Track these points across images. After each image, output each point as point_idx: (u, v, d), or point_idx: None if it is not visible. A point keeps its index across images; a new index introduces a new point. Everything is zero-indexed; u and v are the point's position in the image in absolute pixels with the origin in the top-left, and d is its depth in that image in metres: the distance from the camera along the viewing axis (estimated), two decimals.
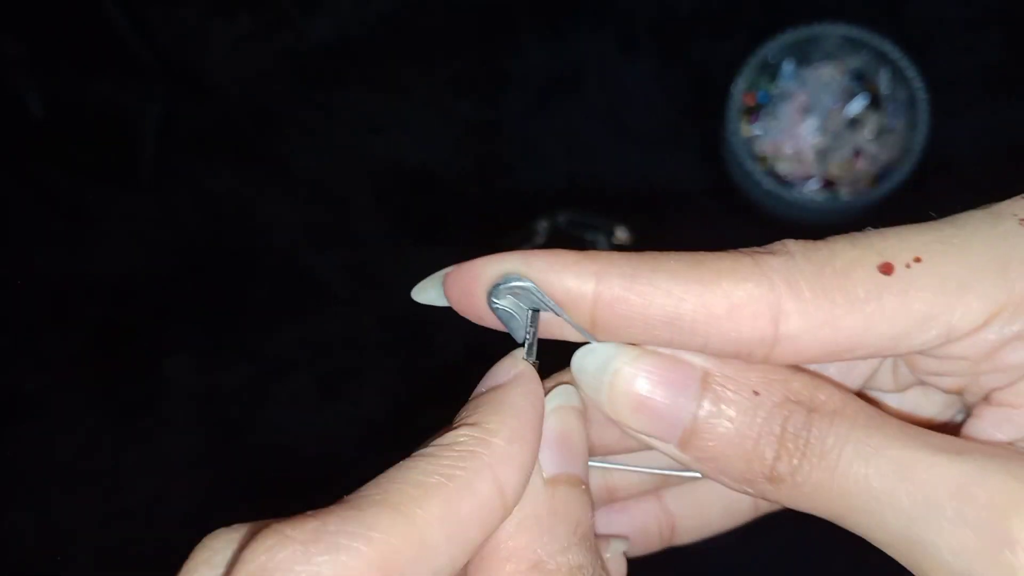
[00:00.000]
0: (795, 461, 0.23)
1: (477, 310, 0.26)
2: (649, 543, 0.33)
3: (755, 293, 0.23)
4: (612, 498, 0.32)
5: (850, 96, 0.80)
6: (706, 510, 0.33)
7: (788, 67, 0.80)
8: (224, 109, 0.88)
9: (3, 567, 0.84)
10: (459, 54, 0.87)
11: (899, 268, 0.23)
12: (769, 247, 0.24)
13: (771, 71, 0.81)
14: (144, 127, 0.86)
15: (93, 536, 0.84)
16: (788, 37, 0.78)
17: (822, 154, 0.80)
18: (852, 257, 0.23)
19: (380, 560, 0.20)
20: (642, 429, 0.24)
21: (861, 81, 0.80)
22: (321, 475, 0.83)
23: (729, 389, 0.23)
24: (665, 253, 0.24)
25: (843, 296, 0.23)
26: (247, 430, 0.85)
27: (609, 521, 0.32)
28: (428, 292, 0.26)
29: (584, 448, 0.25)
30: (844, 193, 0.79)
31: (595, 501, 0.26)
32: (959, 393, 0.26)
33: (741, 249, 0.24)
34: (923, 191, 0.77)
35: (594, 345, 0.25)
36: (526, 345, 0.26)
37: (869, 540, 0.23)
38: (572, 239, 0.83)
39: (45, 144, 0.88)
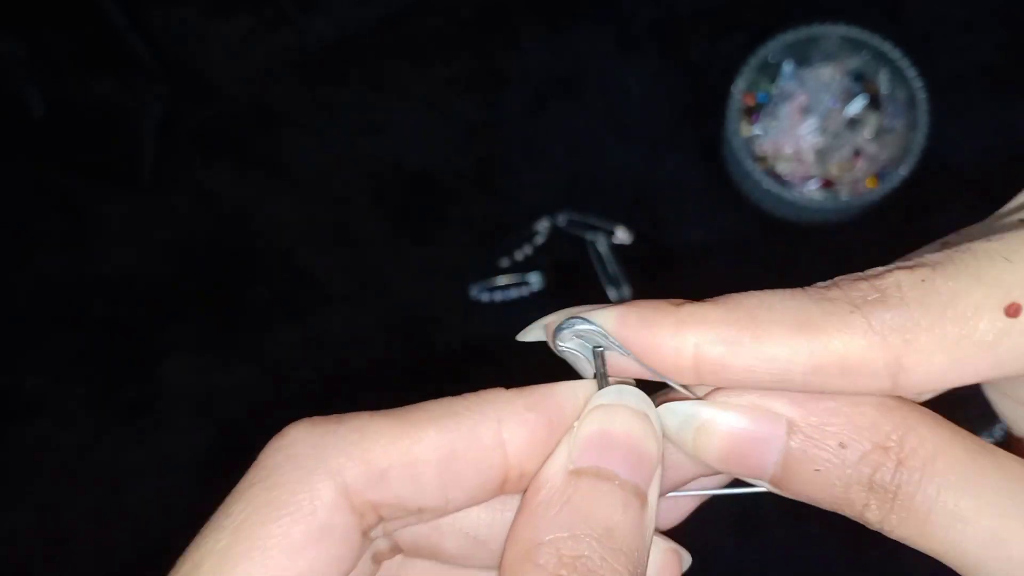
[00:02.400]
0: (882, 513, 0.23)
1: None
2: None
3: (868, 354, 0.22)
4: None
5: (850, 96, 0.80)
6: None
7: (788, 67, 0.80)
8: (224, 109, 0.88)
9: (3, 567, 0.84)
10: (459, 54, 0.87)
11: None
12: (880, 289, 0.22)
13: (771, 71, 0.81)
14: (144, 127, 0.87)
15: (93, 536, 0.84)
16: (788, 37, 0.78)
17: (822, 154, 0.80)
18: (976, 300, 0.21)
19: (366, 457, 0.22)
20: (733, 474, 0.24)
21: (861, 81, 0.80)
22: None
23: (815, 439, 0.23)
24: (764, 301, 0.23)
25: (967, 343, 0.21)
26: (247, 430, 0.85)
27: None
28: (533, 333, 0.27)
29: (638, 451, 0.24)
30: (844, 193, 0.79)
31: None
32: None
33: (850, 293, 0.22)
34: (923, 191, 0.77)
35: (671, 405, 0.24)
36: (597, 378, 0.25)
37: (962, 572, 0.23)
38: (572, 239, 0.83)
39: (45, 144, 0.88)
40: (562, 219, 0.83)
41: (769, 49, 0.78)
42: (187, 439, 0.85)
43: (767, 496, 0.26)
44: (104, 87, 0.87)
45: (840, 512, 0.23)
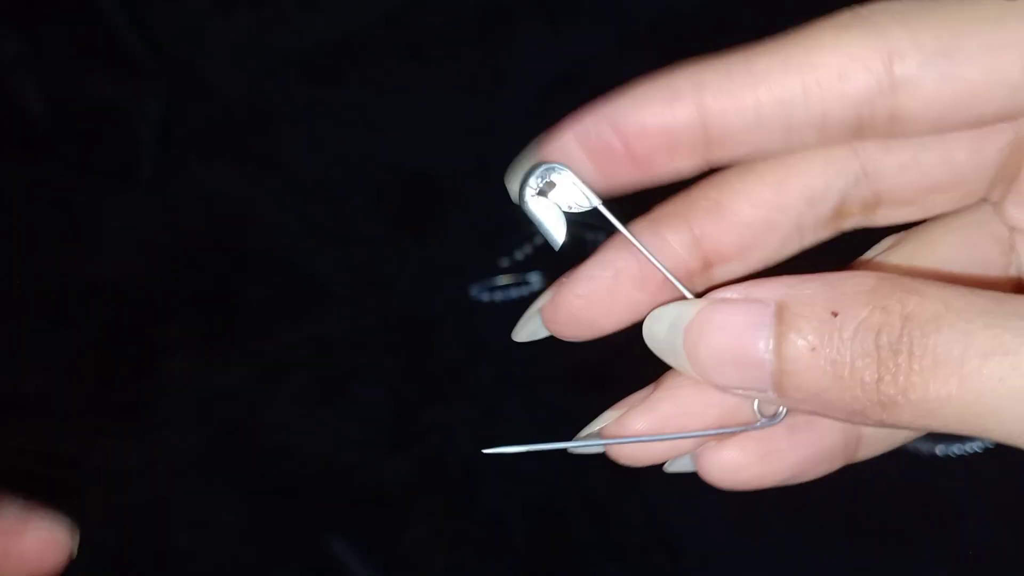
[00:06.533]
0: (902, 377, 0.20)
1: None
2: (833, 460, 0.28)
3: (863, 40, 0.21)
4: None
5: None
6: None
7: None
8: (223, 108, 0.88)
9: None
10: (459, 53, 0.87)
11: None
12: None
13: None
14: (143, 126, 0.86)
15: (90, 537, 0.83)
16: None
17: None
18: None
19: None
20: (732, 384, 0.22)
21: None
22: (322, 475, 0.84)
23: (804, 315, 0.21)
24: (754, 43, 0.22)
25: (958, 24, 0.20)
26: (247, 430, 0.85)
27: (793, 443, 0.27)
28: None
29: None
30: None
31: (767, 417, 0.25)
32: None
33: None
34: None
35: (658, 311, 0.24)
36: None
37: (1008, 443, 0.21)
38: (572, 239, 0.83)
39: (43, 143, 0.88)
40: None
41: None
42: (186, 439, 0.85)
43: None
44: (102, 86, 0.87)
45: (855, 407, 0.21)
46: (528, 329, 0.26)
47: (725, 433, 0.26)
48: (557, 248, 0.25)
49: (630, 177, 0.24)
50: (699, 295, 0.24)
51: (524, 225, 0.84)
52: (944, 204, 0.25)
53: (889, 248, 0.26)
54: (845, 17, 0.21)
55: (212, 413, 0.85)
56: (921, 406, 0.20)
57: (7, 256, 0.88)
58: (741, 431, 0.25)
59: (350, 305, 0.85)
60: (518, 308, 0.87)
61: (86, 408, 0.86)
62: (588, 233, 0.83)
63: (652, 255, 0.24)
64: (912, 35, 0.20)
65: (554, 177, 0.23)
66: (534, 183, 0.23)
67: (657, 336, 0.24)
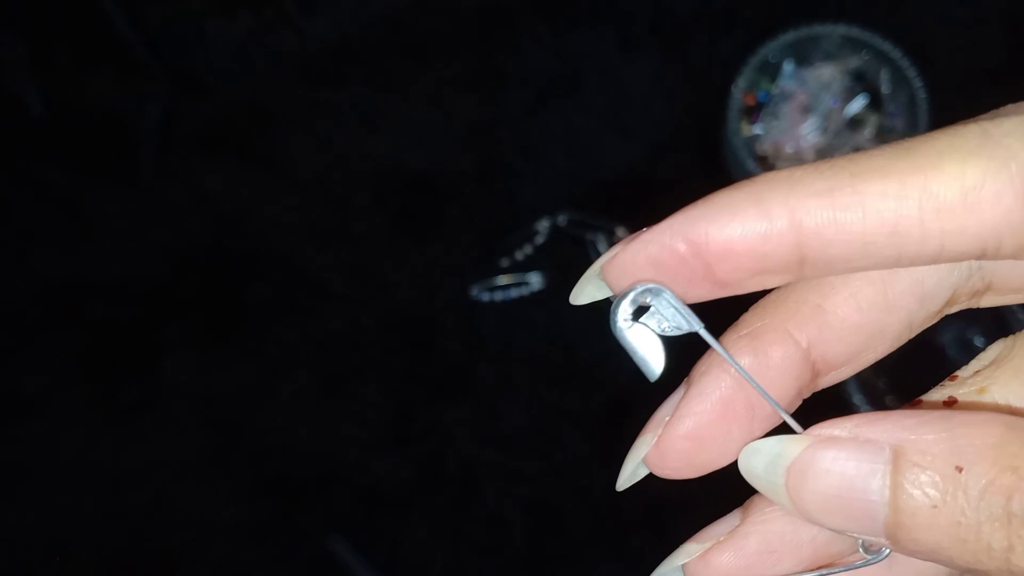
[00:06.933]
0: None
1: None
2: None
3: (991, 167, 0.18)
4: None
5: (850, 96, 0.80)
6: None
7: (788, 67, 0.80)
8: (224, 109, 0.88)
9: (2, 568, 0.84)
10: (459, 54, 0.87)
11: None
12: (994, 112, 0.19)
13: (771, 71, 0.81)
14: (143, 127, 0.86)
15: (92, 537, 0.83)
16: (788, 37, 0.78)
17: (822, 154, 0.80)
18: None
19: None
20: (839, 528, 0.20)
21: (861, 81, 0.80)
22: (322, 474, 0.84)
23: (925, 466, 0.19)
24: (857, 154, 0.20)
25: None
26: (247, 430, 0.85)
27: None
28: (587, 289, 0.22)
29: None
30: None
31: (872, 553, 0.22)
32: None
33: (958, 122, 0.19)
34: None
35: (756, 444, 0.21)
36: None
37: None
38: (572, 239, 0.83)
39: (44, 144, 0.88)
40: (562, 219, 0.83)
41: (769, 48, 0.78)
42: (186, 439, 0.85)
43: None
44: (104, 87, 0.87)
45: (978, 569, 0.19)
46: (627, 472, 0.24)
47: (828, 574, 0.23)
48: (654, 380, 0.22)
49: (705, 294, 0.21)
50: (794, 413, 0.22)
51: (524, 225, 0.84)
52: None
53: (994, 363, 0.22)
54: (971, 138, 0.19)
55: (212, 413, 0.85)
56: None
57: (8, 256, 0.88)
58: (845, 571, 0.23)
59: (350, 305, 0.85)
60: (518, 308, 0.87)
61: (87, 408, 0.86)
62: (588, 234, 0.83)
63: (761, 386, 0.21)
64: None
65: (649, 298, 0.21)
66: (628, 307, 0.21)
67: (755, 472, 0.21)
